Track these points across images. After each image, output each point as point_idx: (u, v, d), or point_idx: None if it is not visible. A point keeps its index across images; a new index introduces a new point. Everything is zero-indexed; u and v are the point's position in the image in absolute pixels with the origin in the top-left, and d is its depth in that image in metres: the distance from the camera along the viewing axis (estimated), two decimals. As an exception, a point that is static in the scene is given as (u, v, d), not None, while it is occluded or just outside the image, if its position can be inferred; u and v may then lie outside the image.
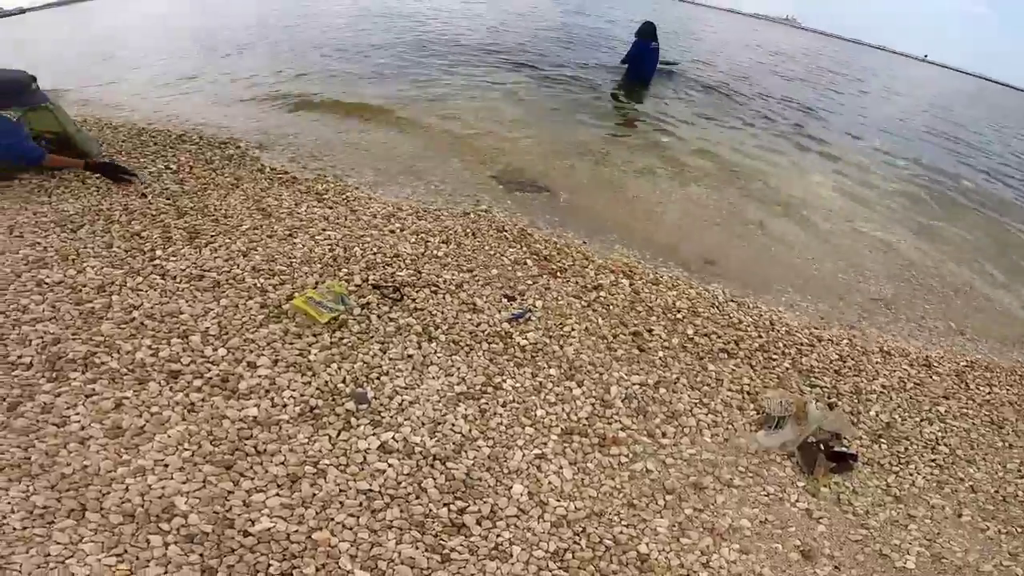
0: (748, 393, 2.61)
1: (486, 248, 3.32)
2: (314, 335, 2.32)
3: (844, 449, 2.34)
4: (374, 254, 2.99)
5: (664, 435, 2.29)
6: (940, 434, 2.67)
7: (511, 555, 1.71)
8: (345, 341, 2.34)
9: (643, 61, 8.80)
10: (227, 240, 2.86)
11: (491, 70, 8.51)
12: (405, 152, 4.91)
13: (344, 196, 3.69)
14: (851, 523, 2.12)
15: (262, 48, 8.62)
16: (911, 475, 2.41)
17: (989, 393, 3.10)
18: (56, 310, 2.19)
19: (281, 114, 5.67)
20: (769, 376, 2.76)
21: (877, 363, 3.08)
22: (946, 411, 2.84)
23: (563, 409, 2.27)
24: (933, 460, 2.52)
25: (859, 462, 2.37)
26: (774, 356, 2.91)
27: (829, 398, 2.69)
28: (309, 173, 4.04)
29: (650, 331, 2.87)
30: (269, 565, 1.52)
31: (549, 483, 1.96)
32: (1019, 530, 2.29)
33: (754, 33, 33.29)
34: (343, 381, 2.14)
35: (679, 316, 3.05)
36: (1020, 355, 3.71)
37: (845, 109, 12.14)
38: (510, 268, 3.16)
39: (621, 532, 1.87)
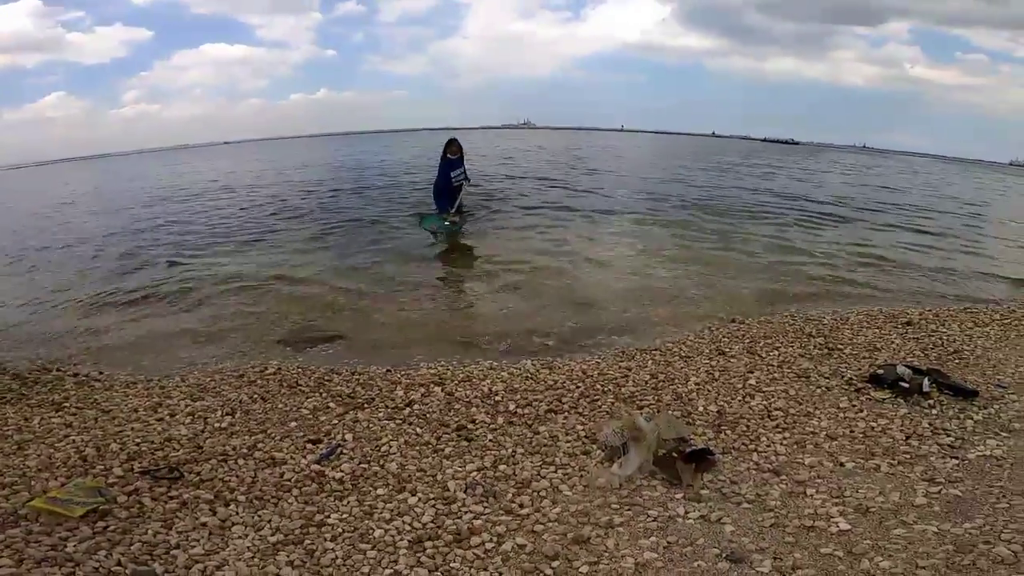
0: (586, 438, 2.54)
1: (280, 407, 2.93)
2: (68, 530, 1.93)
3: (694, 447, 2.33)
4: (137, 444, 2.51)
5: (522, 506, 2.09)
6: (765, 403, 2.84)
7: None
8: (113, 528, 1.96)
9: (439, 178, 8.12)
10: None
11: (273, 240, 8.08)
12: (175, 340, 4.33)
13: (92, 399, 3.06)
14: (753, 511, 2.02)
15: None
16: (768, 447, 2.45)
17: (778, 354, 3.47)
18: None
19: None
20: (598, 415, 2.74)
21: (682, 368, 3.29)
22: (757, 382, 3.07)
23: (403, 521, 2.02)
24: (776, 427, 2.61)
25: (717, 455, 2.36)
26: (596, 397, 2.94)
27: (658, 412, 2.71)
28: (41, 387, 3.29)
29: (473, 421, 2.73)
30: None
31: (412, 601, 1.61)
32: (908, 457, 2.34)
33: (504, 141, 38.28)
34: (118, 564, 1.78)
35: (498, 399, 2.96)
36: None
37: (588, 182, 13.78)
38: (311, 416, 2.81)
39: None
